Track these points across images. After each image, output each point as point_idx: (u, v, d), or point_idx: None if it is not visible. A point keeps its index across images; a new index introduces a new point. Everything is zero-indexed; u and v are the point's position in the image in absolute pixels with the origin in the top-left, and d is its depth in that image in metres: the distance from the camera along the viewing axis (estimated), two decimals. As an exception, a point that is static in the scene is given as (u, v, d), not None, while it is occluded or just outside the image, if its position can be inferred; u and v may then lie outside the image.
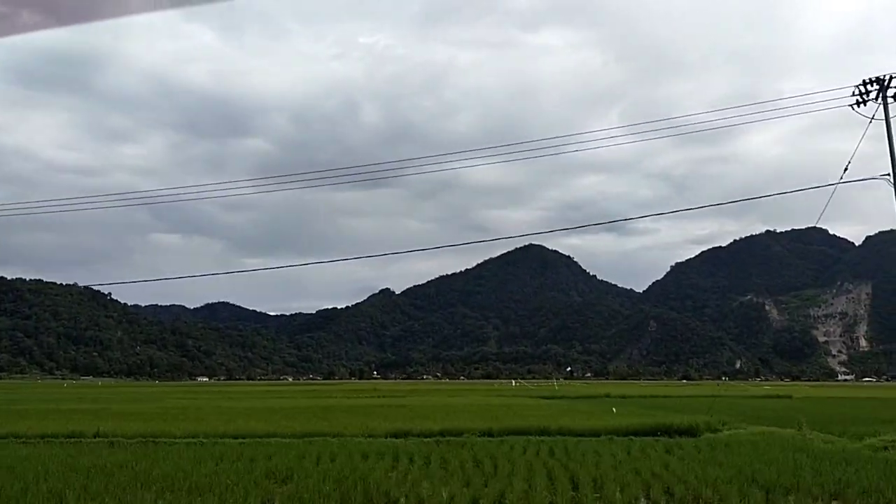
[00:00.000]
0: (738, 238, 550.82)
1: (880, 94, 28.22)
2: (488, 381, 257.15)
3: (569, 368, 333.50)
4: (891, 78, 28.04)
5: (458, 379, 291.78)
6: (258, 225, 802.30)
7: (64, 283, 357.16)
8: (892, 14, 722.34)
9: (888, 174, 27.71)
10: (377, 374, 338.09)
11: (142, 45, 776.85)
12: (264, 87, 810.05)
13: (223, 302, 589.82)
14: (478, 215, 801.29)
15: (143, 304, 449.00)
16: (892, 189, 26.93)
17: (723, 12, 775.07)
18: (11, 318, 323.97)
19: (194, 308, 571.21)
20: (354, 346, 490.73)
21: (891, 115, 28.23)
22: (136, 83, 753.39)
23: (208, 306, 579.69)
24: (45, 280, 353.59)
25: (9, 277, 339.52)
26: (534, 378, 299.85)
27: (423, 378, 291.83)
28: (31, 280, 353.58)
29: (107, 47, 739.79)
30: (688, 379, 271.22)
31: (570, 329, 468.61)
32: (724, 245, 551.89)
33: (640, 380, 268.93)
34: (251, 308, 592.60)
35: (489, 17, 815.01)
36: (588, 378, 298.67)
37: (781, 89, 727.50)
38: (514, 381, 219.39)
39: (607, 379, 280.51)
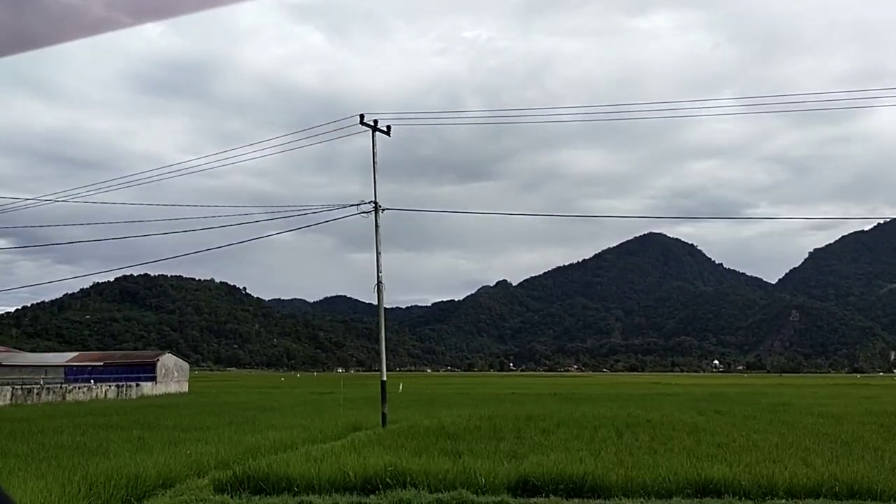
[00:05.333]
0: (882, 221, 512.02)
1: None
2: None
3: (716, 361, 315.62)
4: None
5: (601, 371, 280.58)
6: (364, 222, 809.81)
7: (202, 279, 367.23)
8: None
9: None
10: (513, 366, 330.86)
11: (253, 49, 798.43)
12: (369, 85, 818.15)
13: (340, 295, 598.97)
14: (583, 205, 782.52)
15: (266, 299, 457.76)
16: None
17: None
18: (157, 313, 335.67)
19: (314, 301, 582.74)
20: (475, 337, 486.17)
21: None
22: (249, 86, 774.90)
23: (327, 300, 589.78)
24: (184, 276, 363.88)
25: (153, 274, 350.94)
26: (682, 371, 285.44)
27: (568, 370, 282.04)
28: (171, 276, 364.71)
29: (220, 52, 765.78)
30: (859, 372, 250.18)
31: (702, 320, 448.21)
32: (866, 230, 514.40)
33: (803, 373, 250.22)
34: (366, 301, 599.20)
35: (593, 4, 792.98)
36: (741, 371, 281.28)
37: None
38: None
39: (768, 372, 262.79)
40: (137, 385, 64.52)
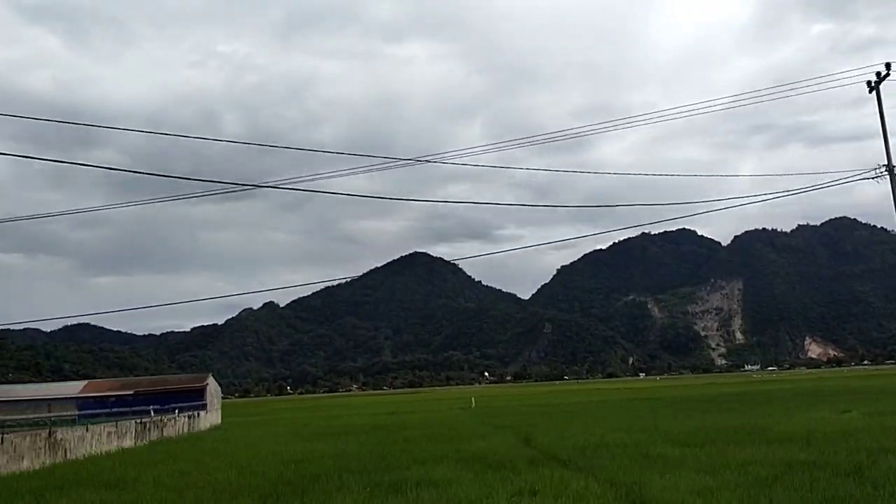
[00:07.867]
0: (616, 241, 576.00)
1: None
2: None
3: (486, 373, 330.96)
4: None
5: (382, 389, 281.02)
6: (109, 242, 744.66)
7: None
8: (729, 31, 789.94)
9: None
10: (290, 389, 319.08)
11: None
12: (115, 95, 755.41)
13: (83, 324, 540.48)
14: (346, 226, 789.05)
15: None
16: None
17: (577, 29, 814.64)
18: None
19: (51, 331, 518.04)
20: (242, 362, 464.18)
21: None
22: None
23: (67, 328, 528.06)
24: None
25: None
26: (457, 384, 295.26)
27: (349, 390, 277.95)
28: None
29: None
30: (613, 376, 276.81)
31: (466, 335, 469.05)
32: (603, 248, 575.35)
33: (565, 380, 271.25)
34: (115, 329, 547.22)
35: (352, 28, 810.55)
36: (510, 381, 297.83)
37: (631, 101, 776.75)
38: None
39: (535, 381, 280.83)
40: (198, 415, 53.69)
